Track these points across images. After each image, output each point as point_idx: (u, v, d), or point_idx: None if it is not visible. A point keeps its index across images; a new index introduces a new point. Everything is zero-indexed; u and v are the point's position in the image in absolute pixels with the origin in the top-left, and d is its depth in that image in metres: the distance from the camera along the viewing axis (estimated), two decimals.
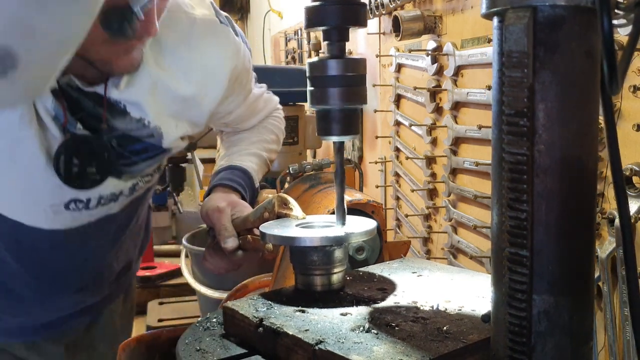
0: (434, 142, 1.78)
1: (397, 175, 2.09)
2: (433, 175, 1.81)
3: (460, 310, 0.82)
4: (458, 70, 1.60)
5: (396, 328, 0.75)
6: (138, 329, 2.26)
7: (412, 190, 1.89)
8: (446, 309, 0.82)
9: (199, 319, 0.91)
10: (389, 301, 0.86)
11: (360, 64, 0.87)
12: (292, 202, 1.05)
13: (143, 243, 1.59)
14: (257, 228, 1.04)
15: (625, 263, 0.61)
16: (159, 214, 3.00)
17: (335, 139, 0.89)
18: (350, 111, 0.87)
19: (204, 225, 1.37)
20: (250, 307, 0.83)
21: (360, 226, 0.91)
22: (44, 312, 1.39)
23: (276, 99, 1.58)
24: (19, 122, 1.06)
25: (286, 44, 3.86)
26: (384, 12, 1.97)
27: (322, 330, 0.75)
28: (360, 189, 1.47)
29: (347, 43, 0.87)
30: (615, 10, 0.57)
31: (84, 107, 1.11)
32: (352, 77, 0.86)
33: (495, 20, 0.59)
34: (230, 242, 1.15)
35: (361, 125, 2.47)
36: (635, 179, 1.01)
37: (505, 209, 0.59)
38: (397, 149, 2.07)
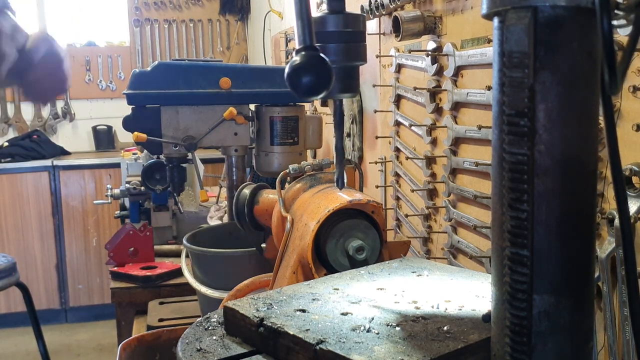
0: (434, 142, 1.78)
1: (397, 175, 2.09)
2: (433, 175, 1.81)
3: (460, 310, 0.82)
4: (458, 70, 1.60)
5: (397, 328, 0.75)
6: (139, 328, 2.26)
7: (412, 190, 1.89)
8: (446, 309, 0.82)
9: (199, 318, 0.91)
10: (389, 301, 0.86)
11: (360, 20, 0.84)
12: None
13: None
14: None
15: (625, 263, 0.61)
16: (159, 214, 2.98)
17: (334, 97, 0.85)
18: (349, 69, 0.83)
19: (205, 225, 1.36)
20: (250, 306, 0.83)
21: None
22: None
23: None
24: None
25: (287, 45, 3.86)
26: (384, 12, 1.97)
27: (323, 330, 0.75)
28: (360, 189, 1.47)
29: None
30: (615, 11, 0.57)
31: None
32: (351, 33, 0.82)
33: (496, 20, 0.59)
34: None
35: (361, 125, 2.47)
36: (635, 179, 1.01)
37: (505, 209, 0.59)
38: (397, 149, 2.07)
